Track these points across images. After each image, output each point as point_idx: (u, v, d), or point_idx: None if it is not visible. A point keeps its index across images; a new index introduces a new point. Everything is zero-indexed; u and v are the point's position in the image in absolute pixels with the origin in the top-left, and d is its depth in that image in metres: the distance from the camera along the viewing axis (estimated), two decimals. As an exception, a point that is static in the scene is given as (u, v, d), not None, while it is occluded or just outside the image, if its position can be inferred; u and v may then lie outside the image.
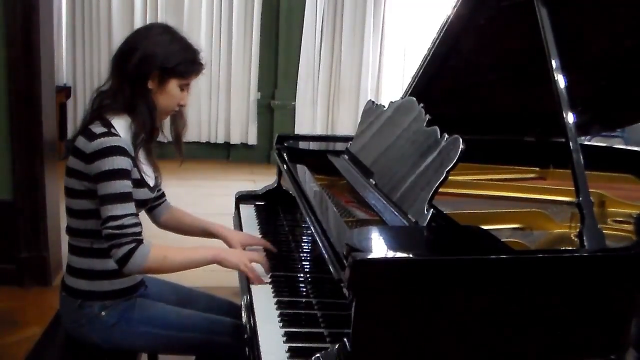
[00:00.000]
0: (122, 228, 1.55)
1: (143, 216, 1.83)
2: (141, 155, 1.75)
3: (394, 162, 1.72)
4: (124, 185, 1.59)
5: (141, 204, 1.74)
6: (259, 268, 1.74)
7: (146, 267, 1.59)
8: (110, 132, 1.63)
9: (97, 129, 1.63)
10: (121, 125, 1.68)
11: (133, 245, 1.56)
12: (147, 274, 1.74)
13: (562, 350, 1.28)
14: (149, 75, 1.68)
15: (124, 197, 1.58)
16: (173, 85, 1.71)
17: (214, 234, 1.99)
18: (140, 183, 1.71)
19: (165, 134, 1.86)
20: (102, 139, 1.60)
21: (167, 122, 1.85)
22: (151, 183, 1.78)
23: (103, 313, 1.70)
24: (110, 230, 1.55)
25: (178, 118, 1.83)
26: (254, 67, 6.39)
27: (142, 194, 1.73)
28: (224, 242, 1.96)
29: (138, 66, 1.67)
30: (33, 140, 3.14)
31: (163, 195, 1.98)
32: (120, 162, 1.59)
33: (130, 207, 1.59)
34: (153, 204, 1.93)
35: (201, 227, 2.02)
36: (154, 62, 1.67)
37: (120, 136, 1.65)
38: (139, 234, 1.59)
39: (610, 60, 2.10)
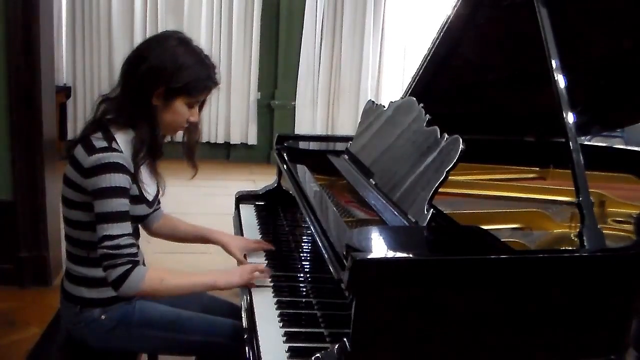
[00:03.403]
0: (117, 248, 1.51)
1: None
2: (144, 170, 1.70)
3: (394, 162, 1.72)
4: (121, 204, 1.55)
5: (137, 220, 1.71)
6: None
7: (141, 290, 1.55)
8: (110, 147, 1.57)
9: (98, 142, 1.57)
10: (124, 139, 1.62)
11: (129, 266, 1.52)
12: (143, 295, 1.68)
13: (562, 350, 1.28)
14: (153, 91, 1.59)
15: (121, 217, 1.54)
16: (179, 103, 1.62)
17: (211, 240, 1.96)
18: (138, 199, 1.66)
19: (168, 136, 1.78)
20: (101, 154, 1.54)
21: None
22: (151, 198, 1.74)
23: (103, 317, 1.68)
24: (105, 250, 1.51)
25: (191, 131, 1.75)
26: (254, 67, 6.39)
27: (140, 210, 1.68)
28: (222, 248, 1.93)
29: (144, 80, 1.59)
30: (33, 140, 3.14)
31: (158, 202, 1.92)
32: (118, 180, 1.54)
33: (126, 227, 1.55)
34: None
35: (197, 234, 1.98)
36: (161, 77, 1.58)
37: (120, 151, 1.59)
38: (135, 254, 1.56)
39: (610, 60, 2.10)
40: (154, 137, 1.64)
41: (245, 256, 1.92)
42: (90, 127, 1.64)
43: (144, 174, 1.71)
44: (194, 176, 1.80)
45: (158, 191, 1.80)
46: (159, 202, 1.93)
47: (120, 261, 1.51)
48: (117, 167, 1.55)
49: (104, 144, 1.58)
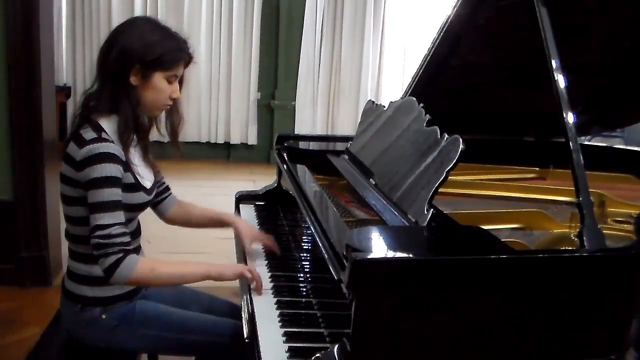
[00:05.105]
0: (109, 237, 1.52)
1: (145, 215, 1.82)
2: (136, 156, 1.72)
3: (394, 162, 1.72)
4: (113, 194, 1.55)
5: (138, 208, 1.71)
6: None
7: (133, 279, 1.55)
8: (100, 137, 1.58)
9: (88, 134, 1.58)
10: (110, 126, 1.63)
11: (120, 255, 1.52)
12: (135, 285, 1.70)
13: (562, 350, 1.28)
14: (129, 70, 1.61)
15: (112, 206, 1.55)
16: (158, 78, 1.64)
17: (226, 223, 1.98)
18: (134, 187, 1.66)
19: (163, 133, 1.81)
20: (91, 145, 1.56)
21: (163, 120, 1.79)
22: (148, 185, 1.74)
23: (104, 316, 1.69)
24: (97, 240, 1.52)
25: (173, 113, 1.76)
26: (254, 67, 6.39)
27: (137, 198, 1.68)
28: (235, 231, 1.96)
29: (117, 62, 1.60)
30: (33, 140, 3.14)
31: (167, 189, 1.94)
32: (109, 169, 1.55)
33: (118, 216, 1.55)
34: (157, 199, 1.89)
35: (212, 218, 1.99)
36: (133, 55, 1.60)
37: (111, 140, 1.60)
38: (127, 243, 1.56)
39: (610, 60, 2.10)
40: (136, 117, 1.64)
41: (245, 258, 1.93)
42: (78, 122, 1.65)
43: (137, 162, 1.71)
44: (180, 157, 1.81)
45: (156, 179, 1.81)
46: (168, 189, 1.95)
47: (111, 250, 1.52)
48: (108, 157, 1.56)
49: (94, 135, 1.59)
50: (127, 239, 1.56)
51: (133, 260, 1.54)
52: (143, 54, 1.60)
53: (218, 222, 1.99)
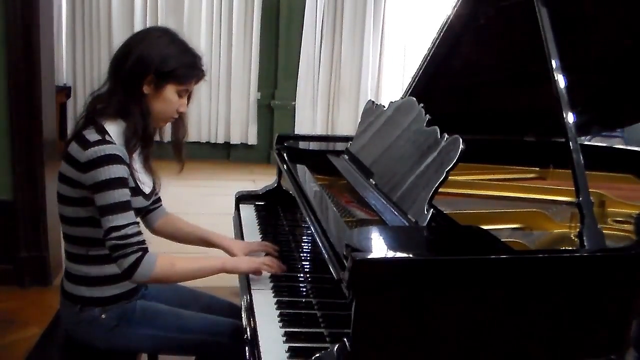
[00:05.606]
0: (126, 238, 1.52)
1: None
2: (138, 162, 1.72)
3: (394, 162, 1.72)
4: (123, 194, 1.55)
5: (135, 213, 1.69)
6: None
7: (154, 276, 1.56)
8: (104, 139, 1.58)
9: (91, 135, 1.58)
10: (115, 130, 1.63)
11: (139, 254, 1.53)
12: (155, 282, 1.71)
13: (562, 350, 1.28)
14: (143, 79, 1.62)
15: (124, 206, 1.55)
16: (170, 90, 1.66)
17: (214, 244, 1.95)
18: (135, 191, 1.66)
19: (164, 135, 1.82)
20: (97, 147, 1.55)
21: (167, 127, 1.79)
22: (147, 191, 1.75)
23: (103, 316, 1.69)
24: (114, 241, 1.52)
25: (178, 124, 1.78)
26: (254, 67, 6.39)
27: (137, 202, 1.68)
28: (225, 252, 1.92)
29: (132, 69, 1.62)
30: (33, 140, 3.14)
31: (159, 200, 1.94)
32: (117, 171, 1.55)
33: (131, 216, 1.56)
34: (148, 209, 1.89)
35: (200, 236, 1.97)
36: (149, 65, 1.61)
37: (115, 143, 1.60)
38: (143, 242, 1.56)
39: (610, 60, 2.10)
40: (145, 126, 1.65)
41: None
42: (82, 123, 1.65)
43: (138, 168, 1.72)
44: (180, 171, 1.82)
45: (154, 187, 1.81)
46: (159, 200, 1.94)
47: (130, 250, 1.52)
48: (114, 159, 1.56)
49: (98, 137, 1.58)
50: (142, 237, 1.57)
51: (152, 258, 1.55)
52: (159, 64, 1.62)
53: (205, 242, 1.96)
